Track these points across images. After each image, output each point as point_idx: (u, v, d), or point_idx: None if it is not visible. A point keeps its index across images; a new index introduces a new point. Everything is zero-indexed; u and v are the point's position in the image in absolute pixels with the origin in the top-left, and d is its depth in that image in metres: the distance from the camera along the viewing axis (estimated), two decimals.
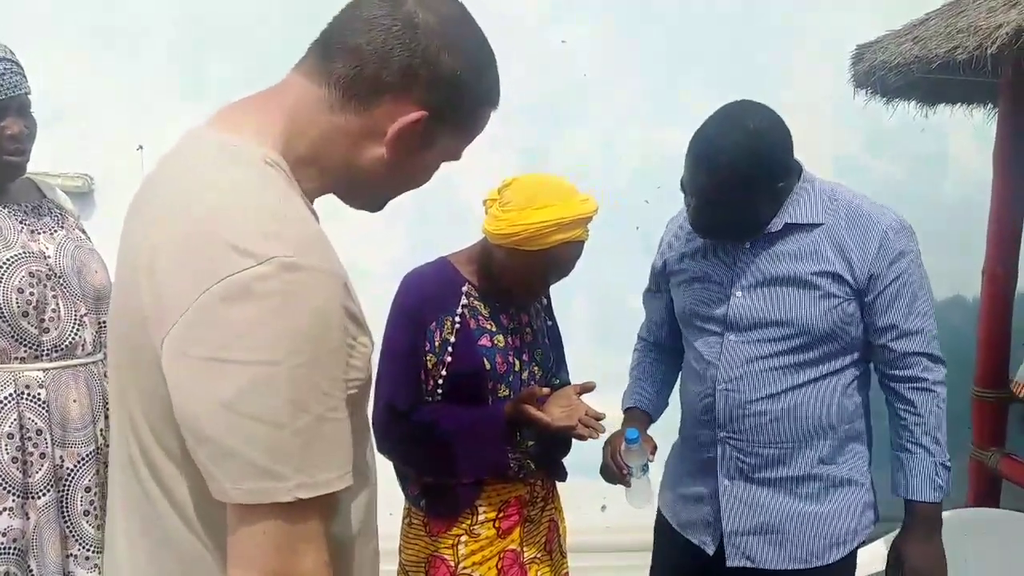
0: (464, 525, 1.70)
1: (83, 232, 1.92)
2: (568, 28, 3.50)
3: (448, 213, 3.15)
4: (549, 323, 1.87)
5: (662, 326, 1.98)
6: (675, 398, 1.98)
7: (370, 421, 1.02)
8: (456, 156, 1.00)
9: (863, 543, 1.74)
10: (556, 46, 3.49)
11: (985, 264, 2.98)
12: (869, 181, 3.70)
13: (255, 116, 0.91)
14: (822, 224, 1.62)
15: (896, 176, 3.78)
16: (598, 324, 3.37)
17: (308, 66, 0.92)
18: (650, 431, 1.88)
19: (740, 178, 1.53)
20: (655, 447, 1.80)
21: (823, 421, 1.65)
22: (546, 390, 1.64)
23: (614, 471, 1.76)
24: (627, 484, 1.74)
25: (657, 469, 1.88)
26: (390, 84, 0.88)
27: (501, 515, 1.72)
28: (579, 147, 3.50)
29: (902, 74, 2.73)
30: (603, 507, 3.31)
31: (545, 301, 1.88)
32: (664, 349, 1.99)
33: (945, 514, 2.65)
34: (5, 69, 1.70)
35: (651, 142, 3.41)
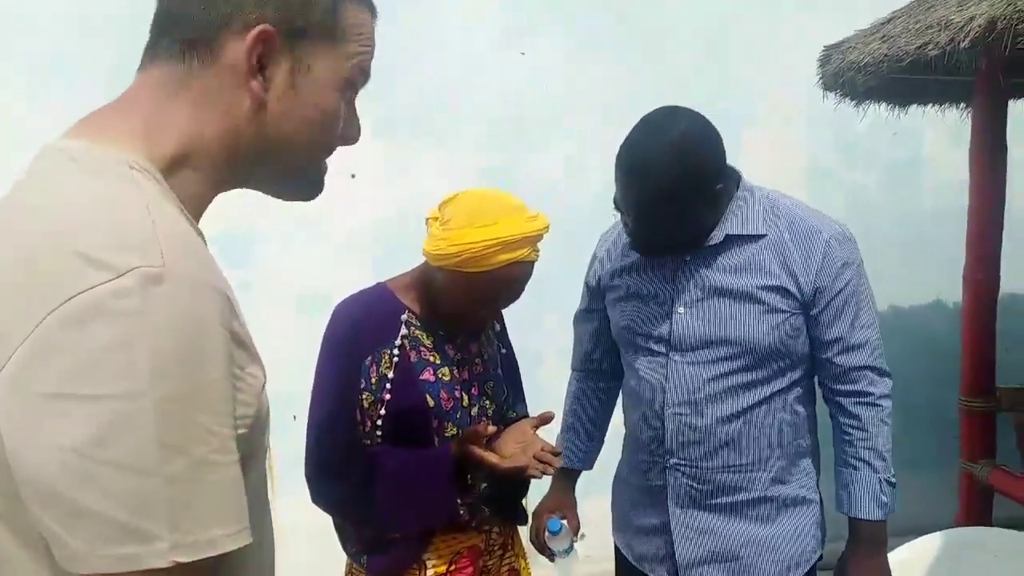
0: None
1: None
2: (530, 43, 3.37)
3: (413, 236, 3.01)
4: (503, 351, 1.71)
5: (596, 349, 1.86)
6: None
7: (268, 472, 0.85)
8: (352, 81, 0.84)
9: (819, 560, 1.69)
10: (518, 62, 3.36)
11: (965, 269, 2.86)
12: (843, 189, 3.60)
13: (113, 120, 0.77)
14: (764, 235, 1.55)
15: (870, 183, 3.67)
16: (569, 347, 3.22)
17: (144, 60, 0.80)
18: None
19: (674, 187, 1.44)
20: (578, 526, 1.78)
21: (774, 440, 1.59)
22: (492, 428, 1.48)
23: (538, 549, 1.76)
24: (552, 561, 1.74)
25: (604, 496, 1.87)
26: (219, 18, 0.76)
27: (453, 568, 1.54)
28: (544, 166, 3.36)
29: (871, 74, 2.62)
30: (582, 535, 3.13)
31: (498, 327, 1.71)
32: (600, 375, 1.89)
33: (935, 536, 2.52)
34: None
35: None
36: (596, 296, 1.79)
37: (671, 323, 1.58)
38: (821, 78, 2.91)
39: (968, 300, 2.89)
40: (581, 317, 1.89)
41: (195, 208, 0.79)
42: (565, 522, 1.71)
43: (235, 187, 0.84)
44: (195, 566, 0.63)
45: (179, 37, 0.77)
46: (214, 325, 0.66)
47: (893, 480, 1.60)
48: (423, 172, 3.20)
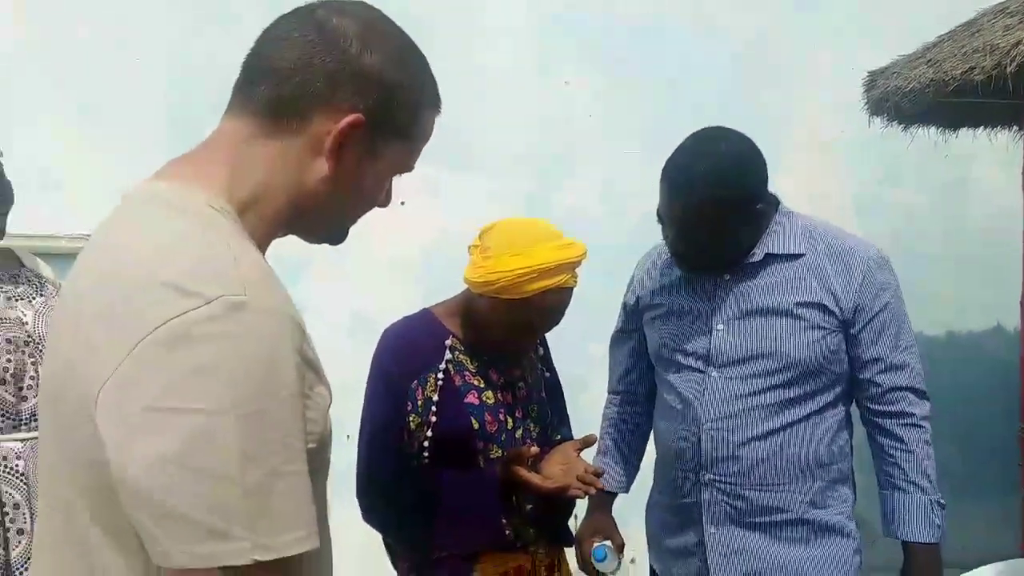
0: None
1: None
2: (569, 72, 3.44)
3: (457, 261, 3.08)
4: (547, 375, 1.75)
5: (631, 371, 1.89)
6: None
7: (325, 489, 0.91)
8: (407, 166, 0.95)
9: None
10: (558, 91, 3.43)
11: (1023, 295, 2.81)
12: (893, 213, 3.57)
13: (195, 166, 0.86)
14: (803, 255, 1.59)
15: (921, 205, 3.63)
16: None
17: (234, 104, 0.87)
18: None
19: (718, 202, 1.49)
20: (623, 544, 1.77)
21: (812, 460, 1.59)
22: (536, 450, 1.51)
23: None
24: None
25: (638, 514, 1.88)
26: (317, 95, 0.83)
27: None
28: (584, 192, 3.41)
29: (917, 99, 2.62)
30: (632, 560, 3.12)
31: (541, 351, 1.75)
32: (635, 397, 1.90)
33: (995, 566, 2.45)
34: None
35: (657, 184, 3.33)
36: (633, 316, 1.82)
37: (710, 339, 1.61)
38: (866, 103, 2.92)
39: None
40: (618, 339, 1.92)
41: (265, 242, 0.88)
42: (609, 543, 1.73)
43: (284, 235, 0.94)
44: (271, 565, 0.70)
45: (274, 99, 0.84)
46: (287, 349, 0.74)
47: (943, 502, 1.58)
48: (467, 199, 3.27)
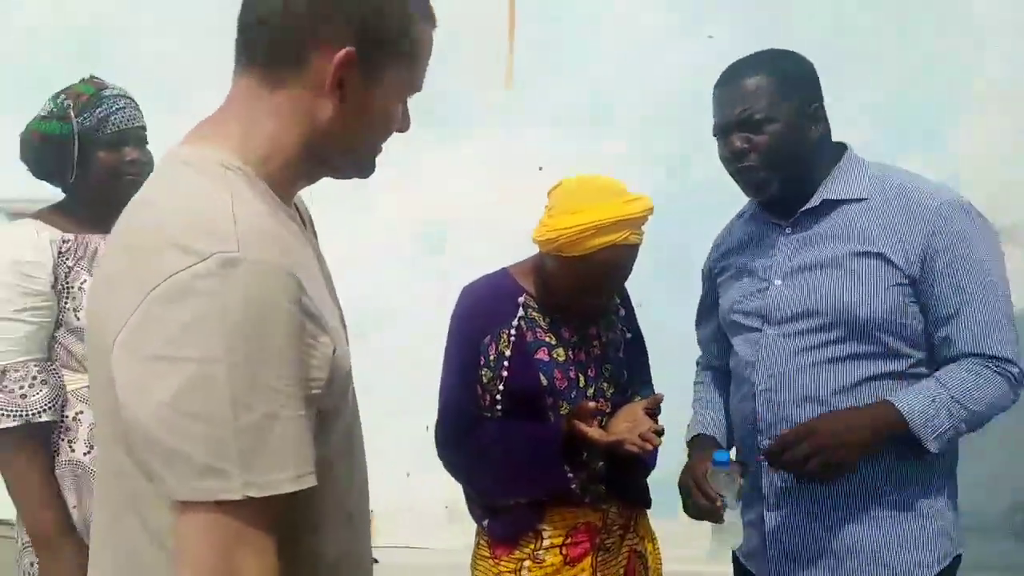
0: (527, 549, 1.60)
1: None
2: (714, 28, 3.31)
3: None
4: (628, 335, 1.73)
5: (713, 342, 1.79)
6: None
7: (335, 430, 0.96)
8: (413, 87, 0.96)
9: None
10: (701, 46, 3.31)
11: None
12: None
13: (213, 126, 0.93)
14: (865, 199, 1.47)
15: None
16: None
17: (239, 62, 0.92)
18: None
19: (768, 85, 1.46)
20: (746, 469, 1.52)
21: None
22: (593, 404, 1.51)
23: (703, 504, 1.49)
24: (719, 520, 1.48)
25: None
26: (306, 35, 0.87)
27: (569, 541, 1.61)
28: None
29: None
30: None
31: (623, 312, 1.74)
32: (719, 371, 1.80)
33: None
34: (125, 104, 1.90)
35: None
36: (711, 284, 1.76)
37: (768, 297, 1.53)
38: None
39: None
40: (700, 310, 1.84)
41: (286, 197, 0.93)
42: (733, 452, 1.61)
43: (315, 179, 0.98)
44: (265, 501, 0.77)
45: (268, 51, 0.89)
46: (278, 300, 0.79)
47: (962, 427, 1.39)
48: (607, 162, 3.24)
